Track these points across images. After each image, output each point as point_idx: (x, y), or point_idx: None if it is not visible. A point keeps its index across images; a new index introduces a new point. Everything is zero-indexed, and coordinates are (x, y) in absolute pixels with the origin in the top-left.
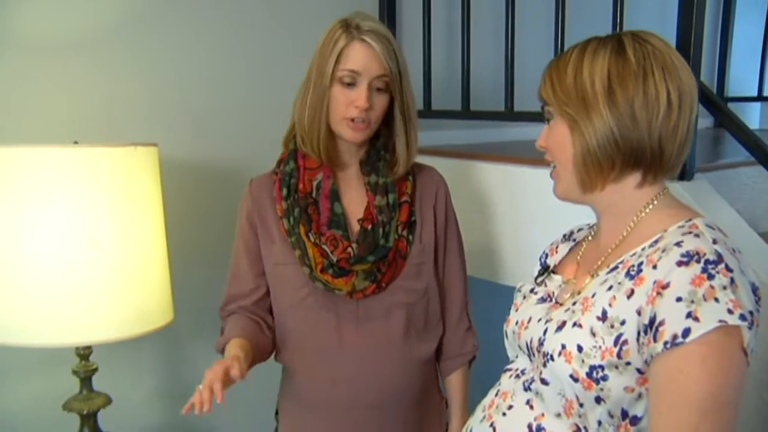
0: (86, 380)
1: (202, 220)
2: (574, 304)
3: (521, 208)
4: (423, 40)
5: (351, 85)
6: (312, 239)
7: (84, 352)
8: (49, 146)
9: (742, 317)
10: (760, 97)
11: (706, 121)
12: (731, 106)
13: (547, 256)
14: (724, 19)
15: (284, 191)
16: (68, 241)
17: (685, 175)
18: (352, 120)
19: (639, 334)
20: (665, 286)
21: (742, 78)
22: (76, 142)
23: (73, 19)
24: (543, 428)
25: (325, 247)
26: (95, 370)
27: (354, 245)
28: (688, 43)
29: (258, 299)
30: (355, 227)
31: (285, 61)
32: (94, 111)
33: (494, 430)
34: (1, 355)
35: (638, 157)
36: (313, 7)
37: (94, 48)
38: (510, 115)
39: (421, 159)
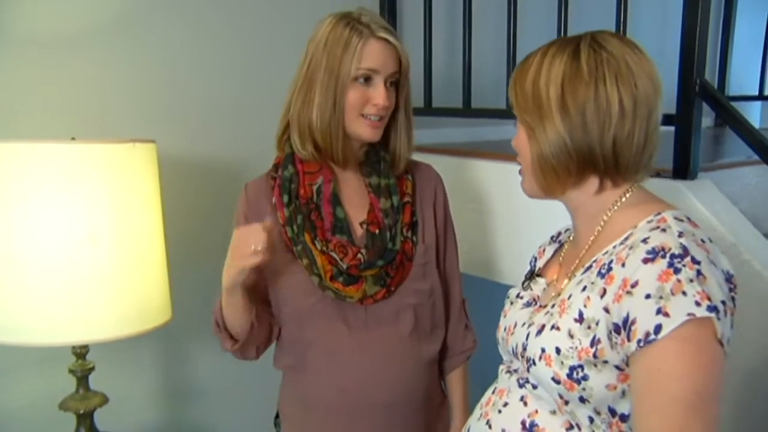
0: (83, 379)
1: (200, 218)
2: (553, 306)
3: (519, 206)
4: (424, 36)
5: (366, 83)
6: (318, 247)
7: (81, 351)
8: (47, 142)
9: (711, 308)
10: (761, 96)
11: (706, 120)
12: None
13: (535, 259)
14: (725, 18)
15: (285, 198)
16: (65, 238)
17: (688, 175)
18: (369, 118)
19: (610, 332)
20: (634, 285)
21: (743, 77)
22: (73, 138)
23: (71, 15)
24: (536, 424)
25: (333, 254)
26: (92, 369)
27: (363, 251)
28: (692, 42)
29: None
30: (358, 231)
31: (283, 56)
32: (92, 107)
33: (489, 427)
34: None
35: (592, 164)
36: (312, 3)
37: (92, 44)
38: (511, 112)
39: (420, 156)
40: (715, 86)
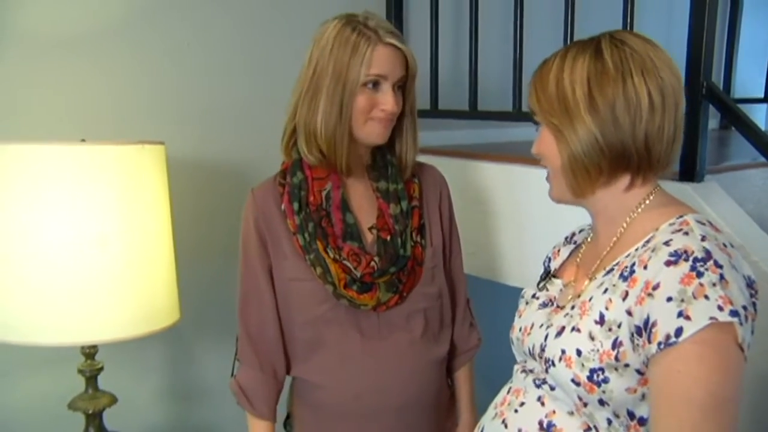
0: (92, 379)
1: (208, 219)
2: (573, 308)
3: (525, 208)
4: (430, 39)
5: (374, 88)
6: (331, 255)
7: (90, 351)
8: (56, 143)
9: (733, 313)
10: (766, 99)
11: (711, 123)
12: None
13: (550, 260)
14: (731, 20)
15: (295, 205)
16: (74, 239)
17: (695, 177)
18: (377, 120)
19: (632, 335)
20: (656, 287)
21: (748, 79)
22: (83, 140)
23: (79, 15)
24: (554, 425)
25: (346, 263)
26: (101, 369)
27: (376, 258)
28: (699, 45)
29: (284, 347)
30: (368, 236)
31: (291, 58)
32: (101, 108)
33: (506, 426)
34: (6, 353)
35: (625, 160)
36: (319, 5)
37: (101, 45)
38: (518, 115)
39: (426, 158)
40: (721, 88)
